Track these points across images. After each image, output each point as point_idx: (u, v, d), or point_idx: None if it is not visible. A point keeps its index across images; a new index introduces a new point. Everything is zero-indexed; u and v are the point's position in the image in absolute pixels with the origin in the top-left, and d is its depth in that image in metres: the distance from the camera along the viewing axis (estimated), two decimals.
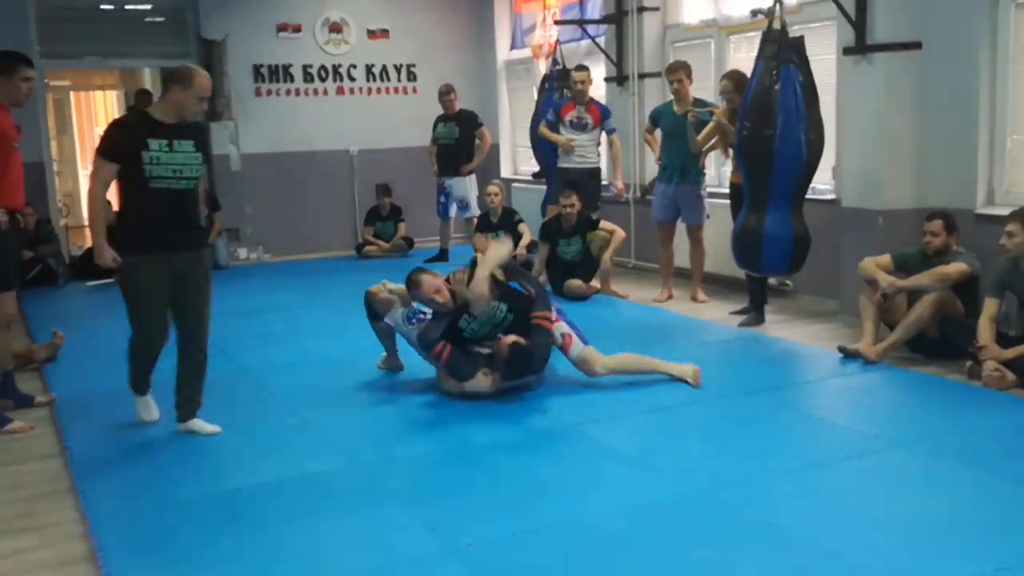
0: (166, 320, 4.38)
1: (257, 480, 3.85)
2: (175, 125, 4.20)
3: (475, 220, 8.98)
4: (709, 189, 7.32)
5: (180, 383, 4.44)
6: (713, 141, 6.74)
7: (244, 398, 5.02)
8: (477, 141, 9.38)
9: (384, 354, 5.44)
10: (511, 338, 4.64)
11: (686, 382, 4.94)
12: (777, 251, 5.83)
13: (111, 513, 3.57)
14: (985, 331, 4.91)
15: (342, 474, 3.91)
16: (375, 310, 5.21)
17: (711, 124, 6.56)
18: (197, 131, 4.37)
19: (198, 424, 4.42)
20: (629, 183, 8.51)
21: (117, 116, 11.94)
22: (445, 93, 9.38)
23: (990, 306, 4.98)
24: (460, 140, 9.33)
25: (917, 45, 5.91)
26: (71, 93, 14.53)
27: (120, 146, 4.14)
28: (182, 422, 4.44)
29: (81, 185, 14.28)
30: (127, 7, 10.16)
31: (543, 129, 7.95)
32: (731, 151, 6.55)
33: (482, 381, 4.74)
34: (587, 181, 7.74)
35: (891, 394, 4.88)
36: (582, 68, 7.85)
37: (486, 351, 4.80)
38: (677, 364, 5.04)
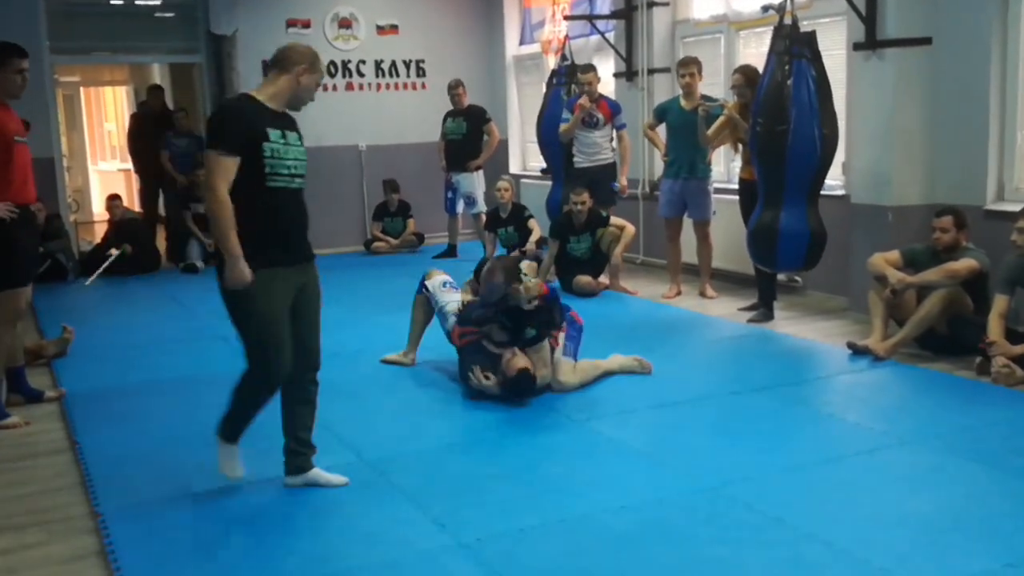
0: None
1: (266, 475, 3.84)
2: (282, 114, 3.54)
3: (483, 216, 8.97)
4: (717, 185, 7.32)
5: (291, 423, 3.68)
6: (722, 135, 6.72)
7: None
8: (485, 137, 9.37)
9: (390, 354, 5.45)
10: (522, 362, 4.63)
11: (636, 373, 5.09)
12: (793, 247, 5.81)
13: (121, 508, 3.58)
14: (995, 327, 4.89)
15: (351, 469, 3.90)
16: (424, 281, 5.36)
17: (722, 118, 6.54)
18: (295, 122, 3.64)
19: (319, 475, 3.71)
20: (637, 178, 8.50)
21: (133, 112, 12.01)
22: (453, 87, 9.37)
23: (1000, 302, 4.96)
24: (468, 135, 9.32)
25: (928, 41, 5.89)
26: (81, 89, 14.59)
27: (242, 135, 3.36)
28: (295, 474, 3.70)
29: (91, 180, 14.37)
30: (137, 2, 10.19)
31: (563, 128, 7.89)
32: (741, 146, 6.54)
33: (483, 381, 4.74)
34: (604, 177, 7.75)
35: (900, 390, 4.87)
36: (588, 68, 7.82)
37: (496, 351, 4.79)
38: (618, 357, 5.15)
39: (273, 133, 3.42)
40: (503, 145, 10.97)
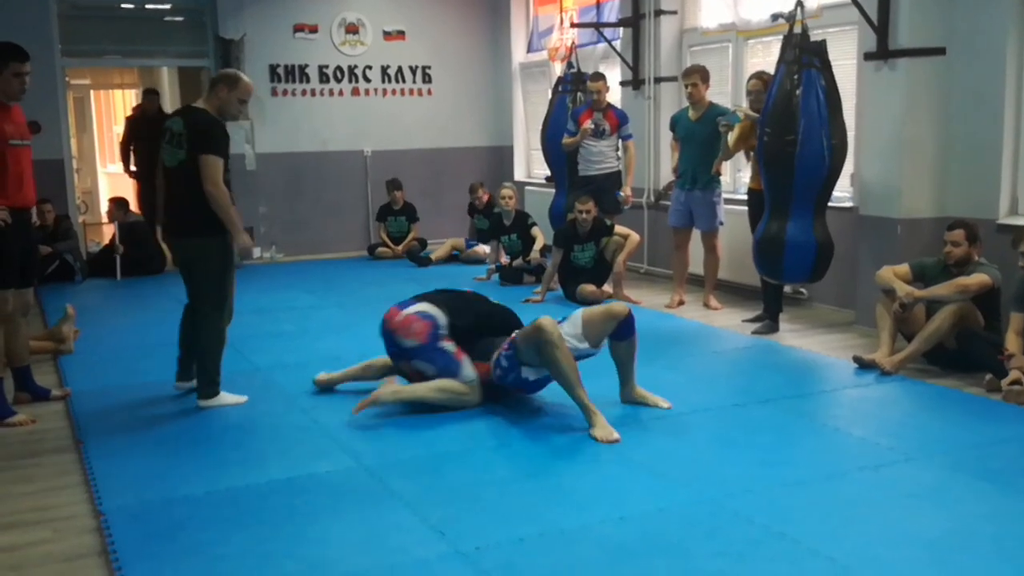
0: None
1: (266, 478, 3.84)
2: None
3: None
4: (726, 195, 7.28)
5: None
6: (738, 144, 6.64)
7: (255, 396, 4.99)
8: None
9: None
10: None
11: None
12: (799, 259, 5.76)
13: (124, 507, 3.58)
14: (1012, 344, 4.83)
15: (350, 475, 3.89)
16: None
17: (741, 124, 6.44)
18: None
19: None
20: (643, 188, 8.48)
21: (127, 116, 12.03)
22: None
23: (1016, 320, 4.89)
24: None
25: (941, 51, 5.84)
26: (91, 91, 14.63)
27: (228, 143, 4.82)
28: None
29: (100, 182, 14.39)
30: (147, 7, 10.25)
31: (566, 141, 7.89)
32: (752, 153, 6.47)
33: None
34: (608, 186, 7.73)
35: (907, 406, 4.82)
36: (598, 76, 7.81)
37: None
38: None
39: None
40: (507, 152, 10.99)
